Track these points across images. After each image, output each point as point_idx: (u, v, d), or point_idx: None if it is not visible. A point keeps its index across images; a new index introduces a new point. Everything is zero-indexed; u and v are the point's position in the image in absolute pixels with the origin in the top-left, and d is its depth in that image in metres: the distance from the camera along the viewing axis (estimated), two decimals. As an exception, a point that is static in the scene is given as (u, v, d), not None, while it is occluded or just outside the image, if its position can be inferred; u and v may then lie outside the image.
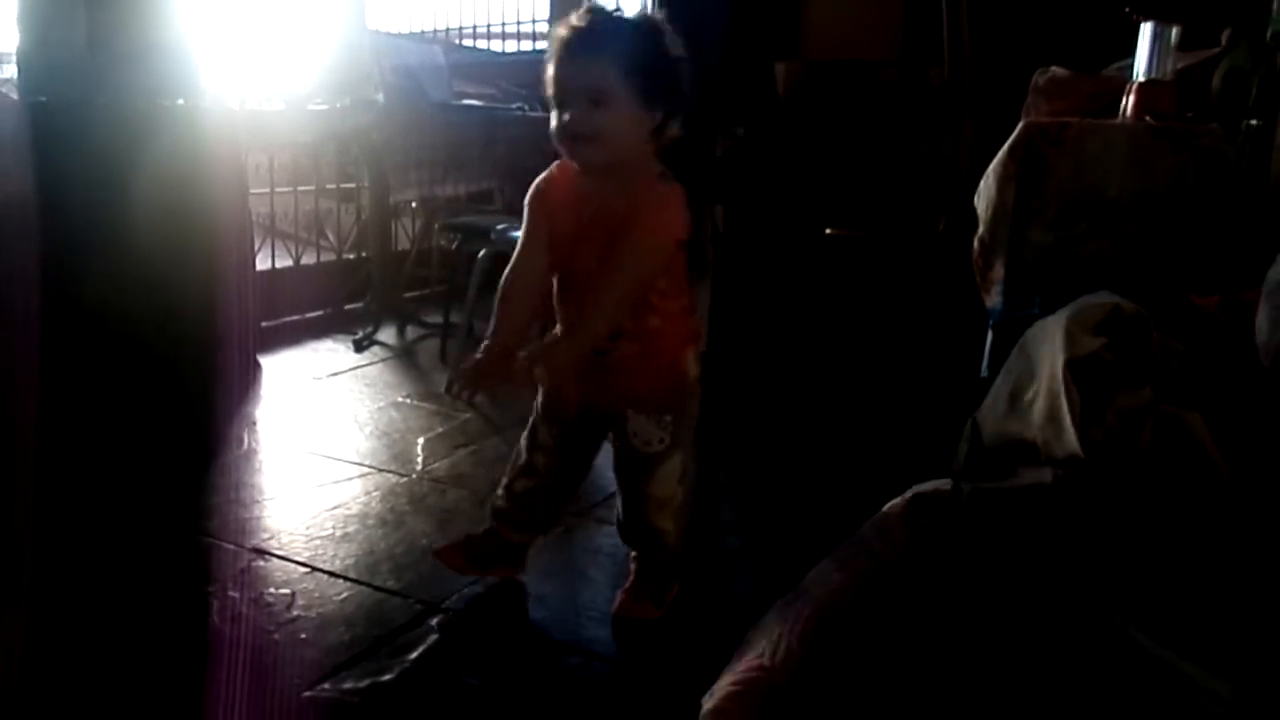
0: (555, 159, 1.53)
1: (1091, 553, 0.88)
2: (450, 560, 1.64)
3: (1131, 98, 2.03)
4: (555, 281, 1.50)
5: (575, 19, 1.36)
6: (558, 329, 1.50)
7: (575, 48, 1.33)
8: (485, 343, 1.45)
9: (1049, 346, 0.96)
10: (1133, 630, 0.85)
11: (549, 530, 1.71)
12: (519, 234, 2.77)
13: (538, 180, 1.50)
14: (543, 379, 1.42)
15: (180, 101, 2.71)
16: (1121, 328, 0.95)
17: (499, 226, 2.82)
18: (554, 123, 1.37)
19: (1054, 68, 2.37)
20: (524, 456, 1.59)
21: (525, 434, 1.60)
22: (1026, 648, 0.92)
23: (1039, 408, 0.95)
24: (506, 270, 1.49)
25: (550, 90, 1.37)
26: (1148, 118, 1.97)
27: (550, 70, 1.36)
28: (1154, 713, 0.83)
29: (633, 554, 1.65)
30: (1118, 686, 0.84)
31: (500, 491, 1.62)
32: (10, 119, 2.79)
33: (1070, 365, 0.90)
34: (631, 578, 1.62)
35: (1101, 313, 0.96)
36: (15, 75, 2.66)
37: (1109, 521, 0.88)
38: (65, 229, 2.46)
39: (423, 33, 4.89)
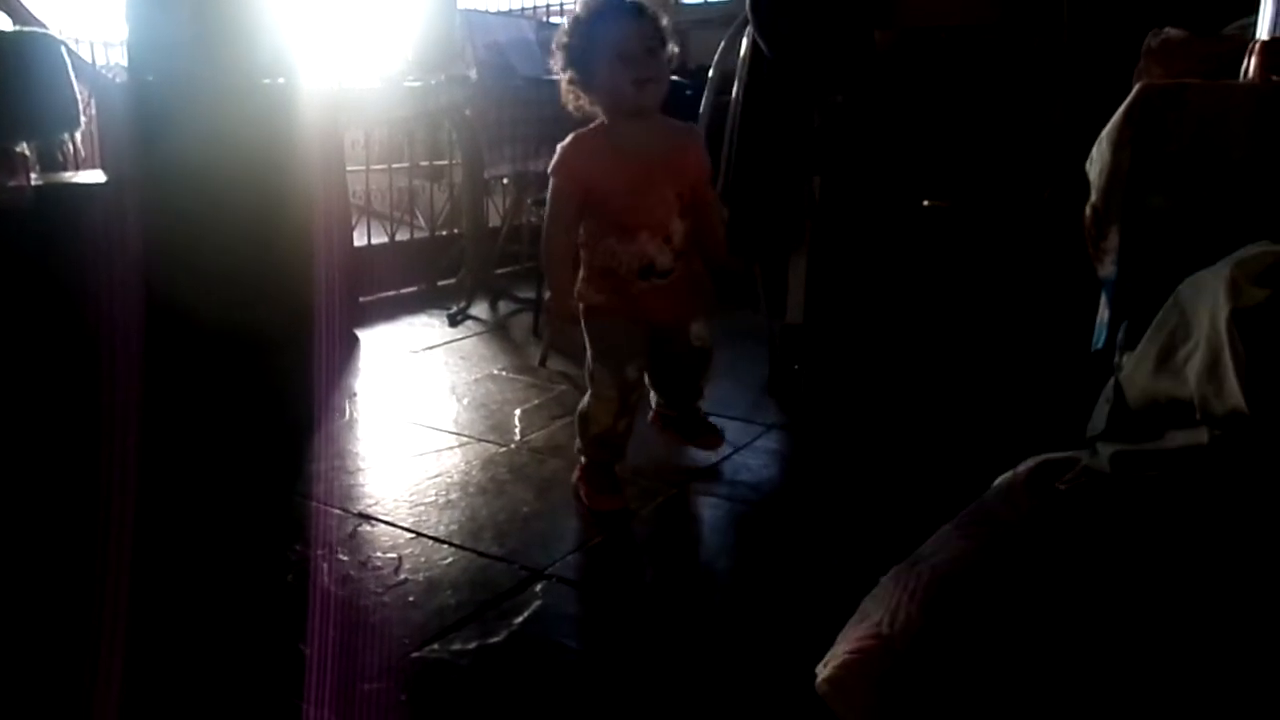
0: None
1: (1251, 515, 0.83)
2: (609, 504, 1.83)
3: (1254, 58, 1.92)
4: (609, 227, 1.75)
5: None
6: (622, 263, 1.76)
7: (630, 13, 1.66)
8: (555, 302, 1.79)
9: (1208, 299, 0.90)
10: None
11: None
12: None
13: (564, 155, 1.74)
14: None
15: (280, 80, 2.76)
16: (1287, 278, 0.89)
17: (592, 200, 2.80)
18: (616, 74, 1.66)
19: (1168, 29, 2.26)
20: (615, 404, 1.79)
21: (606, 385, 1.79)
22: (1171, 617, 0.87)
23: (1196, 364, 0.89)
24: (555, 238, 1.77)
25: (608, 51, 1.66)
26: (1274, 78, 1.86)
27: (606, 34, 1.66)
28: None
29: (658, 410, 2.10)
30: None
31: (600, 438, 1.83)
32: (119, 98, 2.88)
33: (1235, 317, 0.85)
34: (683, 426, 2.07)
35: (1266, 262, 0.90)
36: (125, 55, 2.74)
37: (1273, 480, 0.82)
38: (169, 203, 2.53)
39: (511, 10, 4.90)
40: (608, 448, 1.85)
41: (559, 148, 1.75)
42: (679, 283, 1.80)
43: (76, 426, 2.14)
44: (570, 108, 1.78)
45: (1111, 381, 1.05)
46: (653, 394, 2.06)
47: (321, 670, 1.31)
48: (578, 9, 1.72)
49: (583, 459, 1.88)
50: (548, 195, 1.76)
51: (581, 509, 1.83)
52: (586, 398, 1.84)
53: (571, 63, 1.72)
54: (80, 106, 2.89)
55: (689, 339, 1.90)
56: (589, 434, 1.84)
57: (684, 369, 1.97)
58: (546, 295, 1.82)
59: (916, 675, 1.05)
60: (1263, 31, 1.94)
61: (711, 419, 2.08)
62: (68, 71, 2.80)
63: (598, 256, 1.77)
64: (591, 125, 1.76)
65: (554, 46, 1.75)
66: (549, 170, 1.76)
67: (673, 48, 1.70)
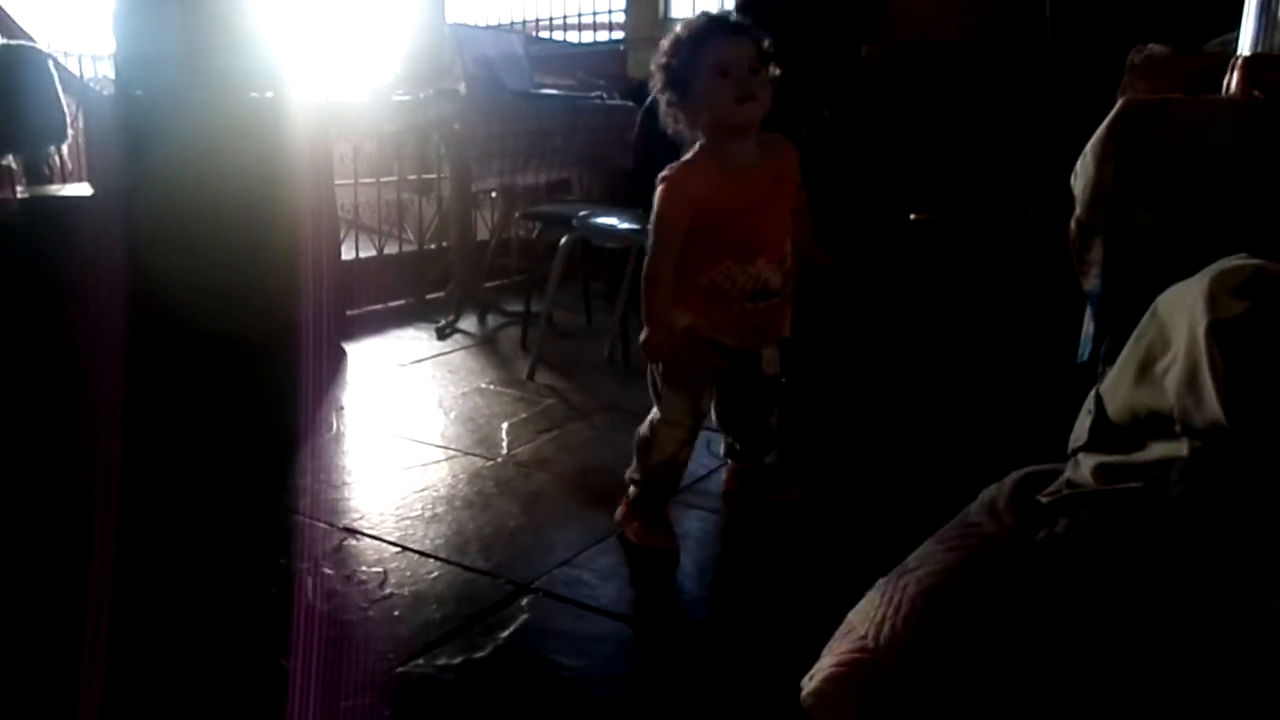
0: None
1: (1233, 525, 0.83)
2: (660, 542, 1.74)
3: (1236, 73, 1.94)
4: (724, 251, 1.65)
5: (716, 14, 1.69)
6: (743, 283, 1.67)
7: (732, 31, 1.60)
8: (653, 333, 1.65)
9: (1186, 311, 0.90)
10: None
11: None
12: (603, 220, 2.75)
13: (674, 182, 1.63)
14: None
15: (269, 93, 2.76)
16: (1266, 290, 0.89)
17: (580, 214, 2.81)
18: (718, 90, 1.57)
19: (1151, 45, 2.28)
20: (685, 431, 1.75)
21: (681, 413, 1.73)
22: (1157, 627, 0.87)
23: (1175, 376, 0.89)
24: (663, 269, 1.64)
25: (710, 68, 1.58)
26: (1256, 92, 1.88)
27: (708, 52, 1.58)
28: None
29: (733, 465, 1.99)
30: (1263, 669, 0.79)
31: (662, 465, 1.76)
32: (107, 111, 2.88)
33: (1213, 329, 0.85)
34: (747, 478, 1.97)
35: (1245, 275, 0.90)
36: (113, 69, 2.74)
37: (1253, 492, 0.82)
38: (156, 217, 2.52)
39: (500, 25, 4.92)
40: (669, 472, 1.78)
41: (664, 177, 1.64)
42: (784, 301, 1.75)
43: (62, 438, 2.13)
44: (669, 131, 1.68)
45: (1093, 393, 1.06)
46: (724, 447, 2.00)
47: (305, 685, 1.31)
48: (678, 29, 1.63)
49: (633, 489, 1.79)
50: (653, 225, 1.64)
51: (565, 520, 1.83)
52: (651, 423, 1.76)
53: (671, 83, 1.63)
54: (67, 119, 2.89)
55: (762, 365, 1.83)
56: (650, 461, 1.76)
57: (755, 399, 1.86)
58: (643, 334, 1.66)
59: (902, 689, 1.05)
60: (1244, 47, 1.96)
61: (698, 431, 2.07)
62: (55, 85, 2.81)
63: (705, 277, 1.66)
64: (692, 151, 1.66)
65: (653, 68, 1.66)
66: (656, 199, 1.64)
67: (774, 70, 1.61)
